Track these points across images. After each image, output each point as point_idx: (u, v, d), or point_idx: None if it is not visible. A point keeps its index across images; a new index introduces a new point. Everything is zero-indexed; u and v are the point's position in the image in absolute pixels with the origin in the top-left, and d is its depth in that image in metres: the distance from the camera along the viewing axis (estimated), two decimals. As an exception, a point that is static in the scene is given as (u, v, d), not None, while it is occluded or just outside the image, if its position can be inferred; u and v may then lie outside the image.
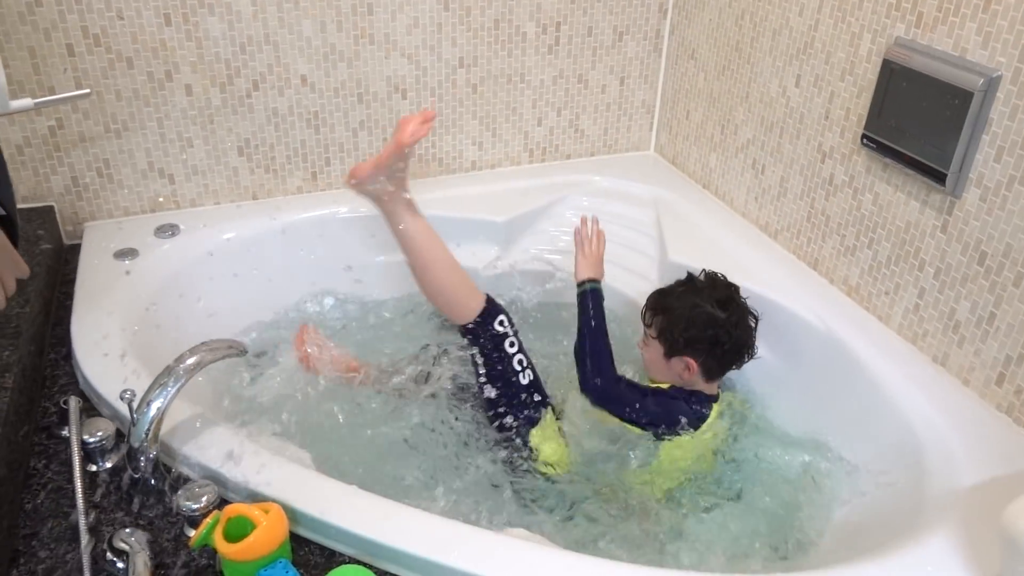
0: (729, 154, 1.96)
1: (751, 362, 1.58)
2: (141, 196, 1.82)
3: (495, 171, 2.13)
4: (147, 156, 1.78)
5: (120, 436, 1.23)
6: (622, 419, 1.43)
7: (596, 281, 1.56)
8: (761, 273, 1.71)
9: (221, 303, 1.72)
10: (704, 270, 1.56)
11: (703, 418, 1.45)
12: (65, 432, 1.24)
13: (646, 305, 1.53)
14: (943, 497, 1.14)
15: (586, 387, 1.45)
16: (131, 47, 1.67)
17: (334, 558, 1.07)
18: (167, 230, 1.77)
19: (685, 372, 1.47)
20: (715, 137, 2.00)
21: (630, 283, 1.85)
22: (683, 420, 1.43)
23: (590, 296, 1.53)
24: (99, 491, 1.16)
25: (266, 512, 1.01)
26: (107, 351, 1.38)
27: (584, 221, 1.63)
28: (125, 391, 1.08)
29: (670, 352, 1.48)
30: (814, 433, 1.51)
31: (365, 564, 1.05)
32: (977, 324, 1.32)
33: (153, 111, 1.74)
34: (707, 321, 1.45)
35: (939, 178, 1.32)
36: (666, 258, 1.82)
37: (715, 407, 1.48)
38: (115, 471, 1.19)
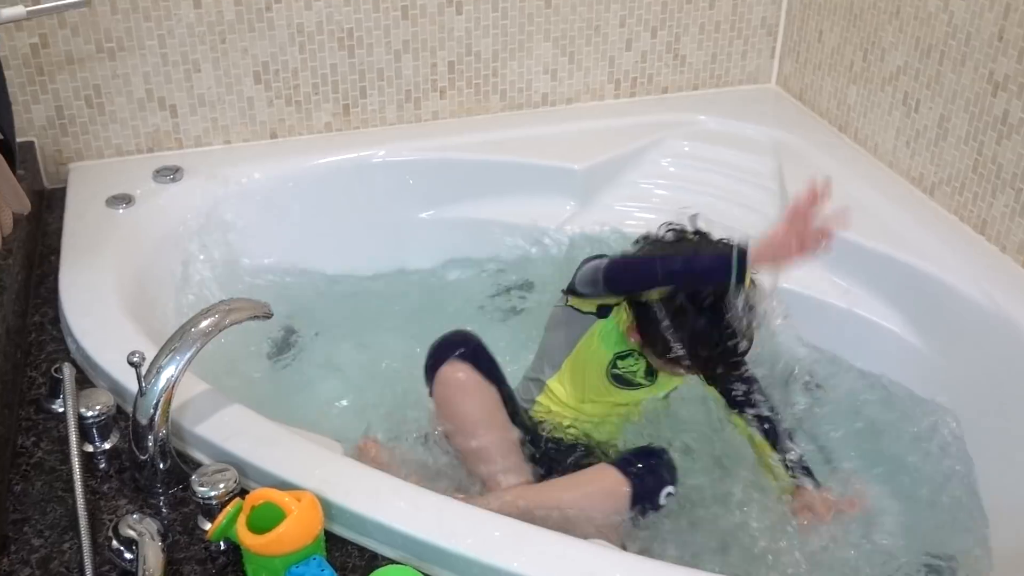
0: (873, 87, 1.99)
1: (892, 351, 1.65)
2: (137, 131, 1.95)
3: (571, 107, 2.21)
4: (145, 82, 1.91)
5: (120, 412, 1.34)
6: None
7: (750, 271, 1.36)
8: (913, 239, 1.76)
9: (232, 262, 1.84)
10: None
11: None
12: (57, 406, 1.37)
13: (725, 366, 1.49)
14: None
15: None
16: (130, -53, 1.80)
17: (375, 561, 1.16)
18: (168, 173, 1.89)
19: None
20: (855, 65, 2.04)
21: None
22: None
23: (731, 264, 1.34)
24: (98, 474, 1.27)
25: (298, 500, 1.10)
26: (102, 313, 1.50)
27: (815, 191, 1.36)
28: (133, 353, 1.19)
29: None
30: (975, 442, 1.55)
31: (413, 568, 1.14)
32: None
33: (154, 27, 1.86)
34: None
35: None
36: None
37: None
38: (116, 452, 1.31)
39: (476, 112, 2.15)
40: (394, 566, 1.12)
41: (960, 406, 1.62)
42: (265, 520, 1.10)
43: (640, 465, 1.44)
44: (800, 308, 1.80)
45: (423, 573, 1.12)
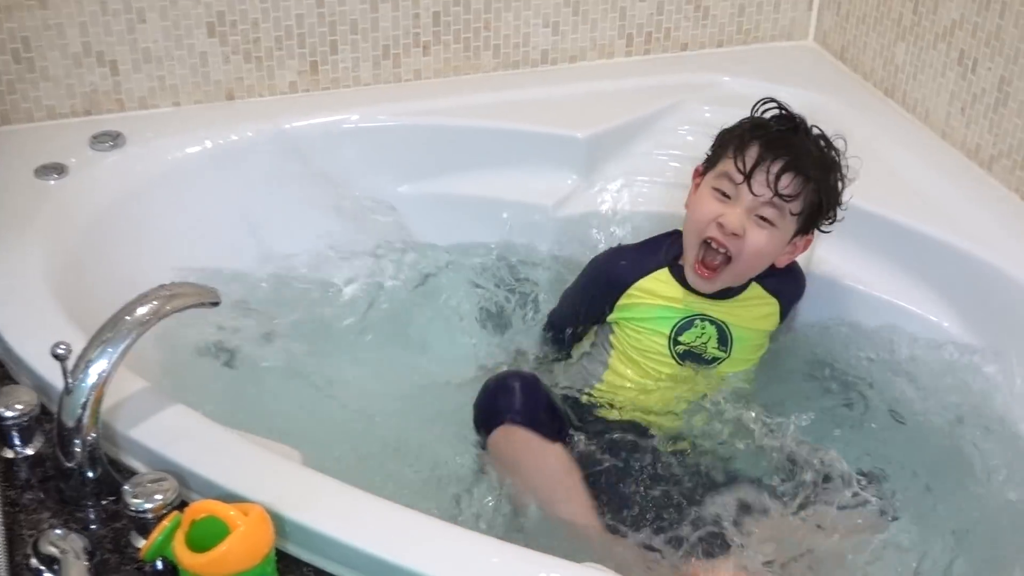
0: (925, 44, 1.99)
1: (936, 348, 1.69)
2: (72, 91, 1.94)
3: (576, 66, 2.20)
4: (82, 34, 1.90)
5: (45, 413, 1.34)
6: None
7: None
8: (968, 220, 1.76)
9: (182, 242, 1.84)
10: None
11: None
12: (-30, 406, 1.36)
13: (793, 169, 1.53)
14: None
15: None
16: None
17: (334, 587, 1.16)
18: (107, 139, 1.88)
19: (797, 251, 1.64)
20: (904, 19, 2.03)
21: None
22: None
23: None
24: (18, 484, 1.27)
25: (245, 514, 1.10)
26: (27, 300, 1.50)
27: None
28: (59, 344, 1.18)
29: (804, 230, 1.60)
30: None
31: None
32: None
33: (91, -32, 1.86)
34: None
35: None
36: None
37: None
38: (39, 459, 1.30)
39: (465, 71, 2.14)
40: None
41: (1008, 411, 1.62)
42: (207, 537, 1.10)
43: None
44: (828, 295, 1.80)
45: (389, 600, 1.12)
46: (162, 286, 1.29)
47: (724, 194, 1.56)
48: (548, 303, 1.90)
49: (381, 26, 2.05)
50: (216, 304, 1.33)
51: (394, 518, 1.19)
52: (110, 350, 1.22)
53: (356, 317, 1.92)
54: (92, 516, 1.24)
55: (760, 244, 1.55)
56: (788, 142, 1.55)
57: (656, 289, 1.65)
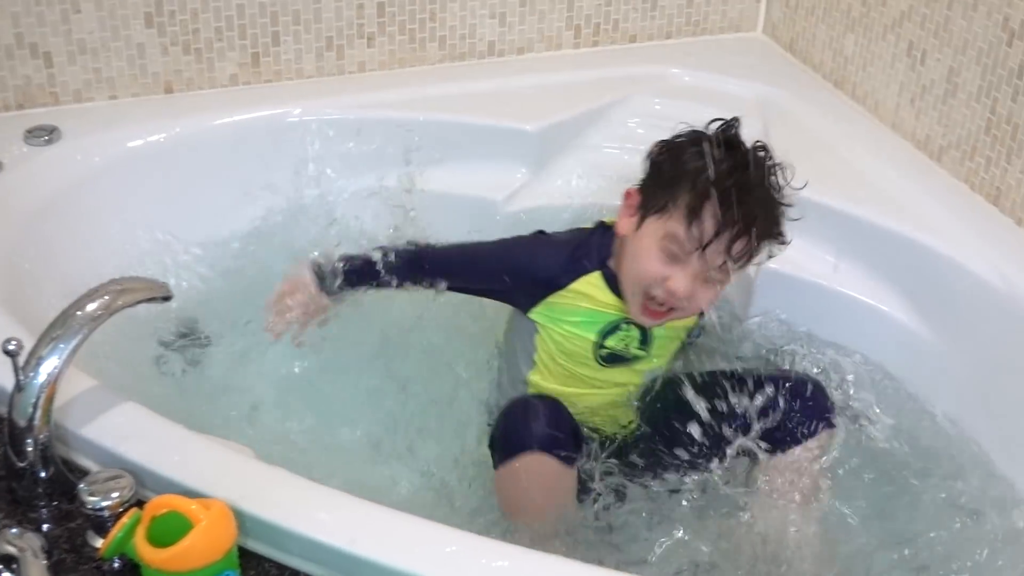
0: (874, 35, 2.08)
1: (891, 338, 1.78)
2: (4, 84, 1.98)
3: (523, 58, 2.28)
4: (14, 25, 1.94)
5: (-6, 415, 1.38)
6: None
7: None
8: (917, 210, 1.86)
9: (122, 238, 1.88)
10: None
11: None
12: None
13: (745, 236, 1.56)
14: None
15: None
16: None
17: (297, 581, 1.22)
18: (41, 133, 1.93)
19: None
20: (853, 10, 2.13)
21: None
22: None
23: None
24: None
25: (207, 508, 1.15)
26: (-35, 299, 1.54)
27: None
28: (9, 340, 1.23)
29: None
30: (979, 441, 1.65)
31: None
32: None
33: (25, -43, 1.90)
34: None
35: None
36: (777, 187, 1.95)
37: None
38: (-17, 461, 1.35)
39: (410, 63, 2.21)
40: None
41: (967, 401, 1.71)
42: (168, 533, 1.15)
43: None
44: (783, 289, 1.89)
45: (353, 591, 1.18)
46: (113, 281, 1.34)
47: (673, 255, 1.57)
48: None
49: (324, 17, 2.11)
50: (168, 299, 1.38)
51: (351, 509, 1.25)
52: (61, 346, 1.26)
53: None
54: (46, 516, 1.28)
55: (708, 298, 1.60)
56: (743, 200, 1.55)
57: (588, 292, 1.66)
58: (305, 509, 1.24)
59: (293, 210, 2.05)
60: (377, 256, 1.72)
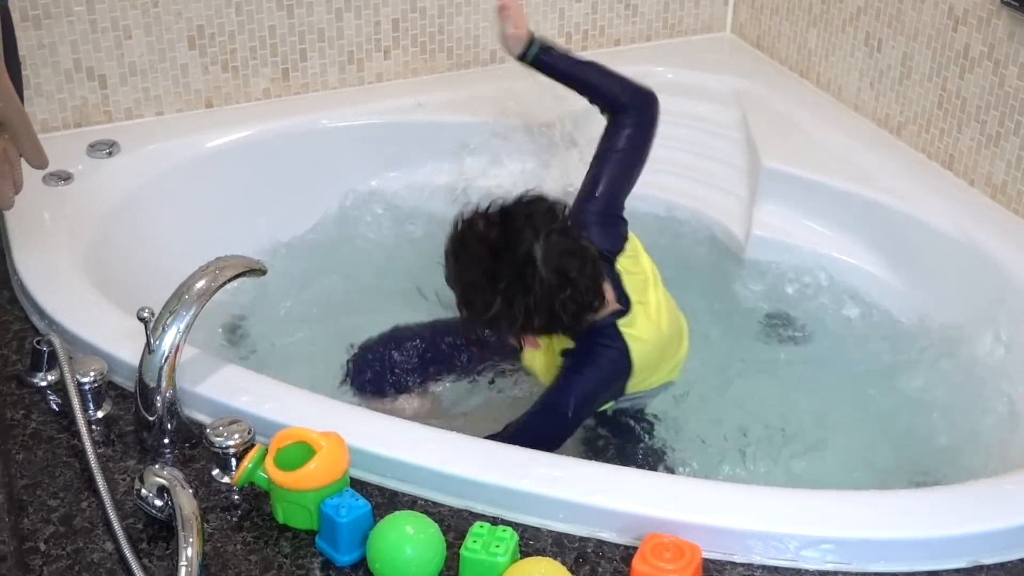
0: (834, 29, 2.33)
1: (866, 290, 2.00)
2: (64, 105, 2.17)
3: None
4: (73, 52, 2.14)
5: (109, 383, 1.59)
6: None
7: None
8: (883, 178, 2.10)
9: (184, 234, 2.08)
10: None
11: None
12: (39, 380, 1.60)
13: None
14: None
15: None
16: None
17: (396, 498, 1.43)
18: (103, 147, 2.12)
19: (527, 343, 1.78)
20: (814, 7, 2.37)
21: (717, 203, 2.23)
22: None
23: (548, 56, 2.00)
24: (98, 440, 1.51)
25: (325, 437, 1.36)
26: (69, 288, 1.74)
27: None
28: (143, 308, 1.44)
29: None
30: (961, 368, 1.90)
31: (432, 502, 1.42)
32: None
33: (83, -8, 2.10)
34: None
35: (1095, 38, 1.71)
36: (759, 166, 2.19)
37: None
38: (110, 419, 1.55)
39: (422, 72, 2.42)
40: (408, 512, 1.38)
41: (931, 338, 1.96)
42: (292, 460, 1.36)
43: None
44: (773, 254, 2.13)
45: (443, 507, 1.40)
46: (216, 259, 1.55)
47: None
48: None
49: (346, 34, 2.32)
50: (264, 273, 1.59)
51: (444, 438, 1.49)
52: (183, 313, 1.47)
53: (355, 291, 2.19)
54: (172, 461, 1.49)
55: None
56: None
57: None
58: (401, 439, 1.47)
59: (329, 208, 2.27)
60: None
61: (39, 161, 1.37)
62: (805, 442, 1.84)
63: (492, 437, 1.69)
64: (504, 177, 2.31)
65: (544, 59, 2.03)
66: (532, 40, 2.02)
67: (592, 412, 1.79)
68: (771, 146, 2.22)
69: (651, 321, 1.75)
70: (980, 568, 1.34)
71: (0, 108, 1.35)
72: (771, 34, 2.53)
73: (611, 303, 1.72)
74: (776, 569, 1.33)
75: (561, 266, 1.60)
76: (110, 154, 2.12)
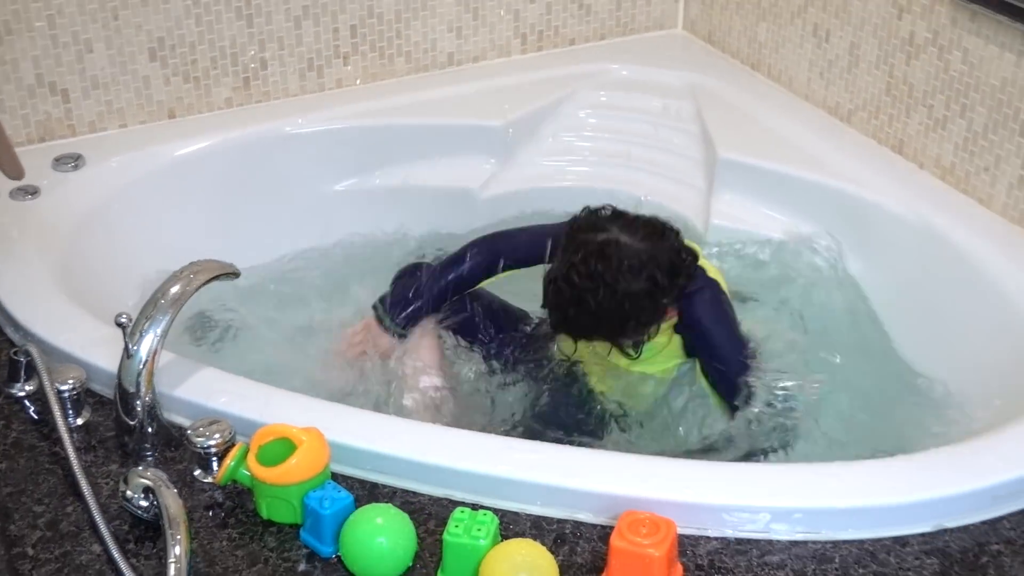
0: (783, 21, 2.38)
1: (826, 274, 2.05)
2: (28, 120, 2.18)
3: (479, 65, 2.54)
4: (35, 67, 2.14)
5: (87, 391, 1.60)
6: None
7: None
8: (836, 164, 2.16)
9: (151, 244, 2.10)
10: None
11: None
12: (17, 390, 1.61)
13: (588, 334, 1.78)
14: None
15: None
16: (15, -76, 2.04)
17: (376, 490, 1.46)
18: (68, 161, 2.13)
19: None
20: (763, 2, 2.43)
21: (676, 194, 2.28)
22: None
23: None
24: (79, 447, 1.53)
25: (306, 433, 1.39)
26: (45, 300, 1.75)
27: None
28: (121, 314, 1.46)
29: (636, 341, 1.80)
30: (898, 354, 1.96)
31: (412, 492, 1.45)
32: (1089, 188, 1.77)
33: (42, 7, 2.10)
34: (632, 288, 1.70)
35: (1034, 20, 1.77)
36: (715, 157, 2.24)
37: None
38: (90, 427, 1.57)
39: (382, 77, 2.45)
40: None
41: (890, 316, 2.02)
42: (273, 457, 1.39)
43: None
44: (732, 241, 2.18)
45: (422, 496, 1.44)
46: (190, 264, 1.58)
47: None
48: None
49: (305, 41, 2.34)
50: (237, 275, 1.62)
51: (419, 429, 1.53)
52: (159, 317, 1.50)
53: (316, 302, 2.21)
54: (153, 463, 1.51)
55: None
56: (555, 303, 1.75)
57: None
58: (379, 433, 1.50)
59: (295, 213, 2.30)
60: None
61: (15, 172, 1.39)
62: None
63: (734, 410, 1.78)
64: (466, 178, 2.34)
65: (412, 317, 1.96)
66: (388, 333, 1.96)
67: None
68: (726, 137, 2.27)
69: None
70: (944, 531, 1.39)
71: None
72: (722, 29, 2.58)
73: None
74: (748, 541, 1.38)
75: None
76: (76, 167, 2.13)
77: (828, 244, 2.13)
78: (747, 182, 2.18)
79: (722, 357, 1.81)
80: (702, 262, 1.83)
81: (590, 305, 1.69)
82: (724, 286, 1.85)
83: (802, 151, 2.20)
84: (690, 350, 1.85)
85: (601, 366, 1.91)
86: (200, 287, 1.56)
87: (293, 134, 2.33)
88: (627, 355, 1.81)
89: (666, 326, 1.82)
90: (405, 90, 2.44)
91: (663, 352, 1.86)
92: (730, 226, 2.18)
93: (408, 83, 2.46)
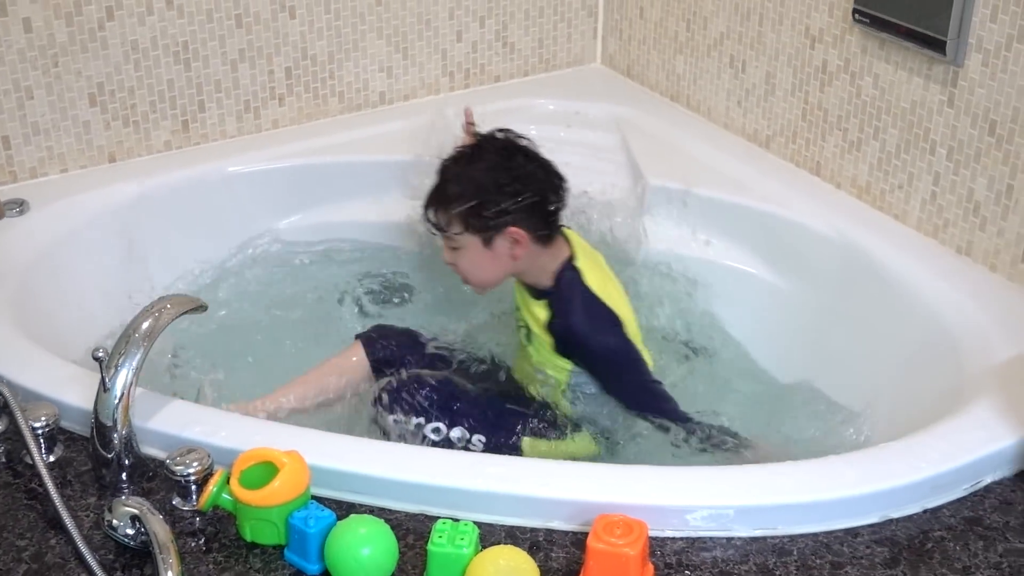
0: (700, 54, 2.50)
1: (756, 293, 2.13)
2: (-32, 167, 2.20)
3: (409, 103, 2.62)
4: (-25, 115, 2.16)
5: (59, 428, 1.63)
6: None
7: None
8: (758, 187, 2.26)
9: (102, 283, 2.12)
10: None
11: None
12: (-15, 431, 1.63)
13: (429, 208, 1.95)
14: (981, 373, 1.70)
15: None
16: (-45, -26, 2.06)
17: (355, 509, 1.51)
18: (13, 206, 2.15)
19: (516, 247, 1.90)
20: (680, 36, 2.54)
21: (608, 221, 2.35)
22: None
23: None
24: (57, 483, 1.55)
25: (287, 455, 1.44)
26: (5, 342, 1.77)
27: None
28: (99, 348, 1.49)
29: (487, 236, 1.90)
30: (829, 365, 2.07)
31: (388, 509, 1.50)
32: (996, 201, 1.89)
33: (-17, 55, 2.13)
34: (502, 177, 1.92)
35: (939, 47, 1.89)
36: (645, 183, 2.33)
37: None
38: (63, 462, 1.59)
39: (316, 116, 2.51)
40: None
41: (820, 330, 2.13)
42: (255, 480, 1.43)
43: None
44: (664, 265, 2.28)
45: (400, 512, 1.49)
46: (159, 299, 1.61)
47: None
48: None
49: (241, 83, 2.39)
50: (205, 309, 1.65)
51: (394, 450, 1.57)
52: (134, 351, 1.53)
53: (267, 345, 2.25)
54: (131, 495, 1.54)
55: (463, 263, 1.95)
56: (441, 179, 1.97)
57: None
58: (354, 454, 1.55)
59: (239, 252, 2.34)
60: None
61: None
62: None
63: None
64: (402, 212, 2.40)
65: None
66: None
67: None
68: (653, 166, 2.36)
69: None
70: (891, 521, 1.49)
71: None
72: (640, 63, 2.69)
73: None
74: (712, 539, 1.46)
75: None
76: (20, 212, 2.15)
77: (753, 263, 2.23)
78: (676, 207, 2.28)
79: (617, 392, 1.96)
80: (583, 264, 1.96)
81: (445, 175, 1.95)
82: (608, 301, 1.93)
83: (725, 176, 2.31)
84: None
85: (522, 352, 2.04)
86: (171, 321, 1.60)
87: (233, 173, 2.38)
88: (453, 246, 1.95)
89: (538, 306, 1.95)
90: (340, 129, 2.50)
91: (544, 347, 1.95)
92: (663, 248, 2.27)
93: (342, 122, 2.53)
